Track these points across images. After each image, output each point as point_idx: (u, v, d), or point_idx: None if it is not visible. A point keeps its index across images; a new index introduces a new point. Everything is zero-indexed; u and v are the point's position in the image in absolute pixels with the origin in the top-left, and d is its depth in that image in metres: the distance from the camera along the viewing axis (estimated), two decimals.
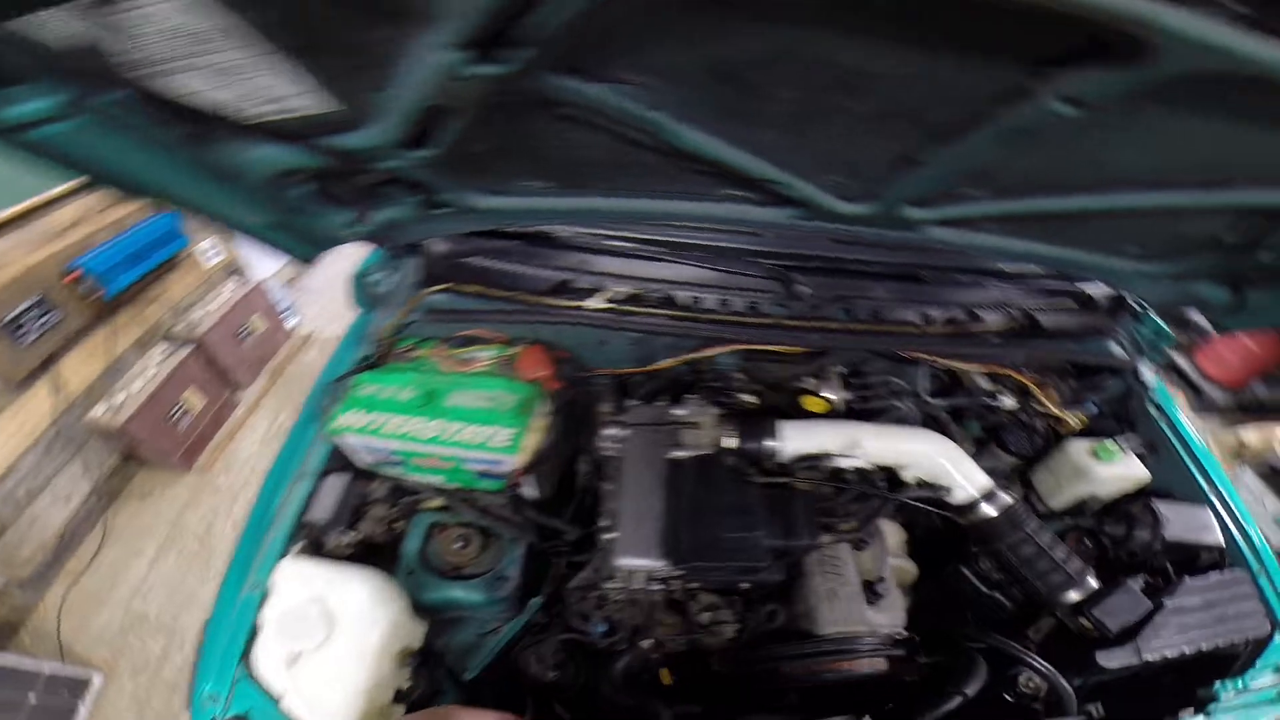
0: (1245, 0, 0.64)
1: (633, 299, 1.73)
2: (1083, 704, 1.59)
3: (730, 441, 1.59)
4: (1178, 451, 1.97)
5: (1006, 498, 1.60)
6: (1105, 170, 1.11)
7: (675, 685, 1.63)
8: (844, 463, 1.59)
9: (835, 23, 0.81)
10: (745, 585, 1.53)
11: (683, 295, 1.75)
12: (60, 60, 0.79)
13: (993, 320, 1.86)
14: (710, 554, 1.42)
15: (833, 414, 1.77)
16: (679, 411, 1.64)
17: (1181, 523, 1.77)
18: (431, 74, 0.86)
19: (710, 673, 1.65)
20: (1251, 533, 1.83)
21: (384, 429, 1.57)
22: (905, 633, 1.58)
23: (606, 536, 1.45)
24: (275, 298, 3.74)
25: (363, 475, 1.69)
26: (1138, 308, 2.00)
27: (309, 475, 1.61)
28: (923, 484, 1.64)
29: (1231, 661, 1.62)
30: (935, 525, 1.78)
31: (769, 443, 1.60)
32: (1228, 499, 1.89)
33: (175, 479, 3.58)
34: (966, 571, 1.76)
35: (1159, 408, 2.01)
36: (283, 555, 1.44)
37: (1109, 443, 1.83)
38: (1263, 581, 1.73)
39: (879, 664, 1.50)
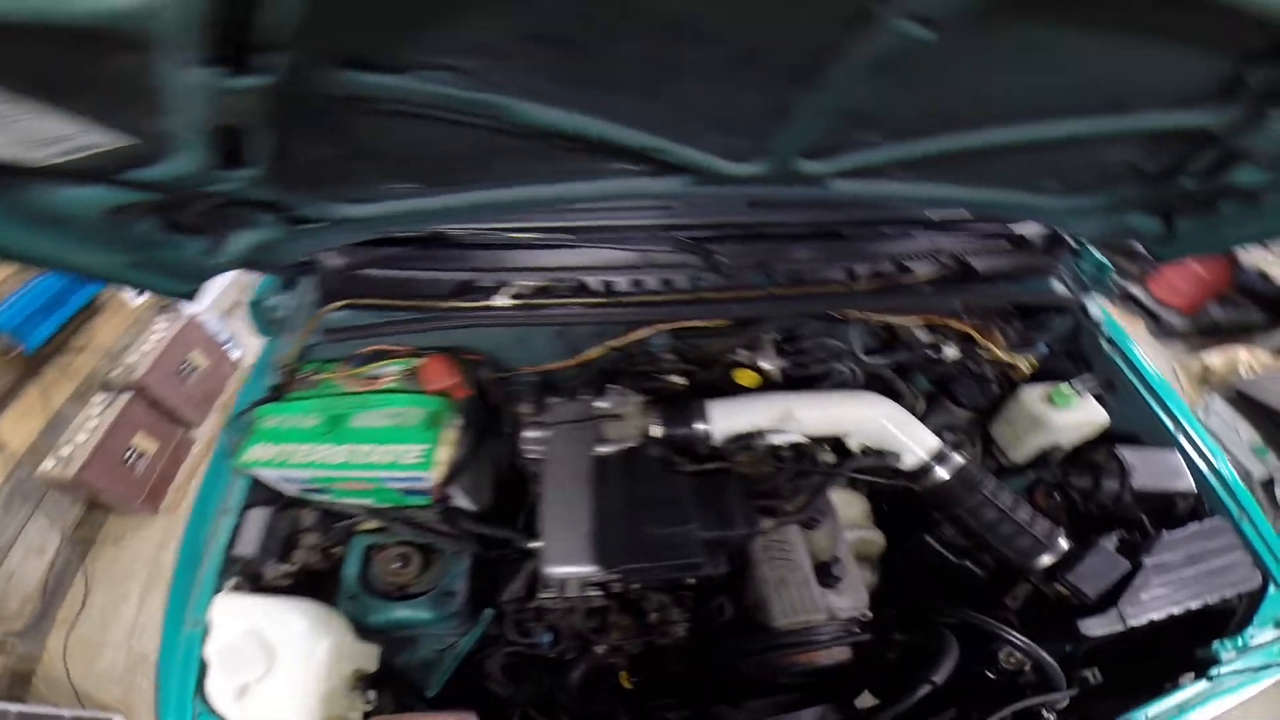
0: None
1: (542, 291, 1.57)
2: (1077, 669, 1.46)
3: (656, 430, 1.44)
4: (1136, 387, 1.83)
5: (958, 458, 1.44)
6: (996, 102, 1.01)
7: (637, 688, 1.51)
8: (779, 438, 1.43)
9: None
10: (691, 581, 1.40)
11: (594, 281, 1.59)
12: None
13: (923, 270, 1.70)
14: (642, 554, 1.27)
15: (770, 385, 1.61)
16: (601, 404, 1.48)
17: (1149, 469, 1.63)
18: (197, 95, 0.78)
19: (674, 673, 1.52)
20: (1224, 471, 1.70)
21: (292, 459, 1.46)
22: (869, 614, 1.42)
23: (532, 545, 1.33)
24: (213, 330, 3.51)
25: (292, 504, 1.58)
26: (1075, 244, 1.86)
27: (232, 510, 1.51)
28: (869, 451, 1.48)
29: (1227, 618, 1.49)
30: (900, 490, 1.62)
31: (699, 426, 1.44)
32: (1194, 435, 1.75)
33: (145, 521, 3.44)
34: (931, 541, 1.60)
35: (1111, 342, 1.86)
36: (216, 591, 1.38)
37: (1064, 386, 1.68)
38: (1245, 527, 1.59)
39: (841, 653, 1.35)
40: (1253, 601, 1.49)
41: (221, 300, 3.88)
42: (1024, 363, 1.76)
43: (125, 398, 3.09)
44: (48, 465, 3.00)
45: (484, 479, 1.68)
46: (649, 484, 1.36)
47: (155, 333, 3.27)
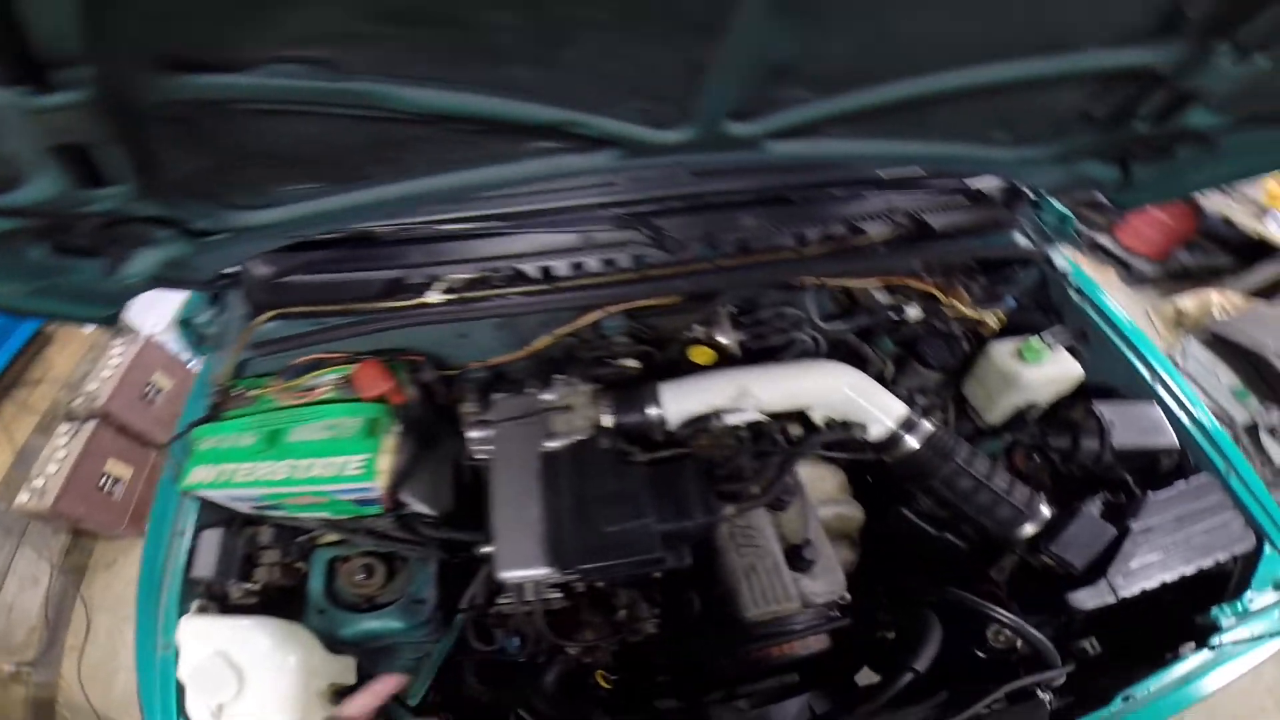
0: None
1: (476, 283, 1.44)
2: (1075, 640, 1.37)
3: (607, 419, 1.32)
4: (1109, 337, 1.72)
5: (928, 425, 1.33)
6: (926, 47, 0.92)
7: (615, 688, 1.42)
8: (736, 418, 1.31)
9: None
10: (657, 575, 1.29)
11: (531, 268, 1.46)
12: None
13: (876, 230, 1.58)
14: (598, 553, 1.16)
15: (728, 360, 1.50)
16: (547, 397, 1.36)
17: (1130, 426, 1.51)
18: (10, 117, 0.74)
19: (655, 670, 1.44)
20: (1206, 423, 1.60)
21: (234, 479, 1.38)
22: (846, 596, 1.32)
23: (485, 550, 1.24)
24: (174, 350, 3.34)
25: (248, 523, 1.50)
26: (1034, 196, 1.75)
27: (186, 533, 1.45)
28: (834, 424, 1.36)
29: (1224, 581, 1.39)
30: (872, 463, 1.51)
31: (651, 411, 1.33)
32: (1172, 385, 1.65)
33: (134, 544, 3.32)
34: (909, 514, 1.49)
35: (1080, 292, 1.75)
36: (181, 614, 1.35)
37: (1034, 340, 1.57)
38: (1233, 483, 1.50)
39: (819, 641, 1.24)
40: (1249, 563, 1.40)
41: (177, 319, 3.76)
42: (991, 317, 1.65)
43: (90, 426, 2.97)
44: (23, 498, 2.91)
45: (442, 482, 1.58)
46: (600, 478, 1.24)
47: (113, 358, 3.11)
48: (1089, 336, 1.74)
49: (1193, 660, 1.31)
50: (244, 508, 1.47)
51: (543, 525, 1.20)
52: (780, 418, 1.43)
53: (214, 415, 1.50)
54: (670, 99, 0.98)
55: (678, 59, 0.88)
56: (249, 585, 1.43)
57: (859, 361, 1.59)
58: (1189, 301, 4.31)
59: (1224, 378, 3.60)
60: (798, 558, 1.29)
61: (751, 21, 0.77)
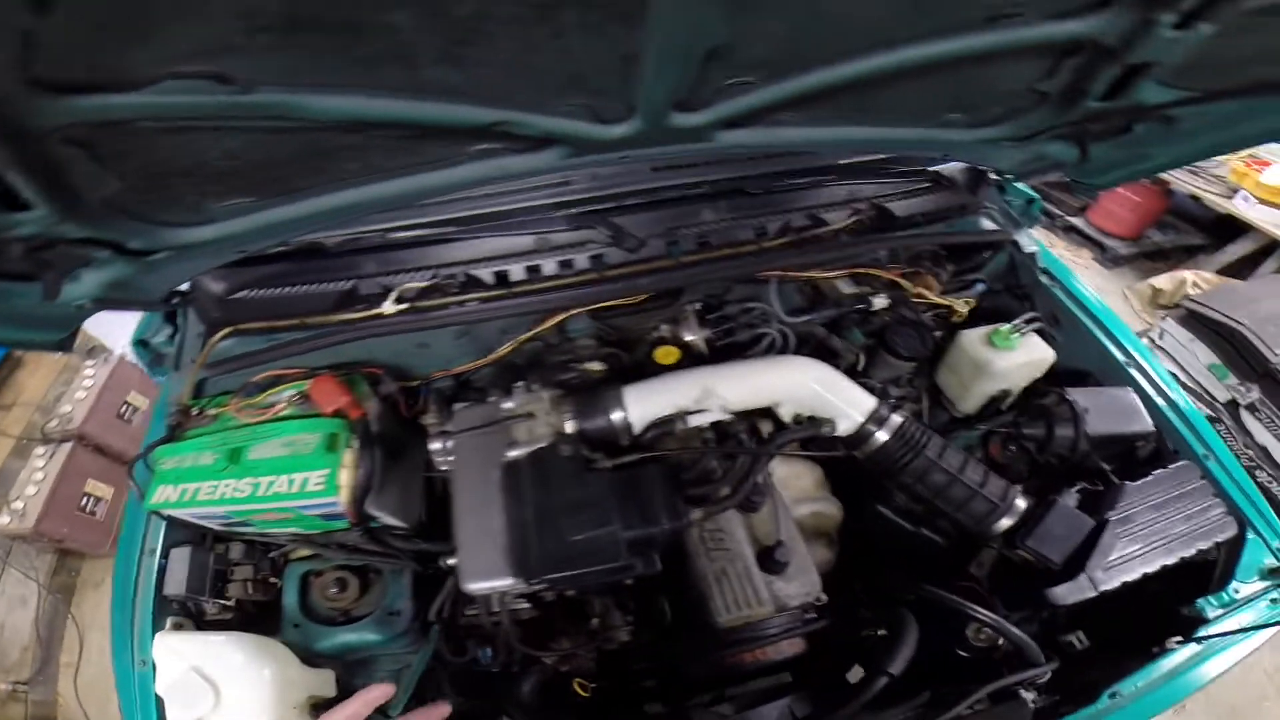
0: None
1: (431, 291, 1.38)
2: (1060, 634, 1.33)
3: (569, 425, 1.25)
4: (1081, 320, 1.68)
5: (897, 418, 1.28)
6: (861, 26, 0.87)
7: (593, 696, 1.36)
8: (701, 418, 1.25)
9: None
10: (628, 583, 1.26)
11: (486, 273, 1.40)
12: None
13: (838, 220, 1.52)
14: (562, 562, 1.11)
15: (694, 359, 1.44)
16: (508, 405, 1.30)
17: (1104, 412, 1.46)
18: None
19: (631, 677, 1.39)
20: (1183, 405, 1.55)
21: (198, 497, 1.34)
22: (823, 597, 1.27)
23: (449, 562, 1.23)
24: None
25: (219, 540, 1.47)
26: (998, 179, 1.69)
27: (156, 551, 1.43)
28: (802, 420, 1.30)
29: (1209, 570, 1.35)
30: (843, 459, 1.45)
31: (616, 415, 1.27)
32: (1146, 367, 1.61)
33: None
34: (885, 510, 1.43)
35: (1049, 274, 1.70)
36: (156, 630, 1.33)
37: (1004, 327, 1.52)
38: (1212, 467, 1.45)
39: (793, 645, 1.18)
40: (1232, 551, 1.35)
41: None
42: (961, 304, 1.59)
43: (67, 448, 2.92)
44: (3, 520, 2.87)
45: (412, 494, 1.53)
46: (563, 486, 1.19)
47: (86, 379, 3.06)
48: (1060, 320, 1.69)
49: (1180, 654, 1.26)
50: (213, 525, 1.43)
51: (506, 536, 1.15)
52: (749, 416, 1.37)
53: (173, 435, 1.45)
54: (609, 93, 0.93)
55: (606, 51, 0.83)
56: (223, 601, 1.40)
57: (829, 355, 1.54)
58: (1164, 281, 4.29)
59: (1201, 355, 3.56)
60: (770, 560, 1.24)
61: (669, 4, 0.72)
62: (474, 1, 0.70)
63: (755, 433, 1.40)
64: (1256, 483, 3.33)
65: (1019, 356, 1.52)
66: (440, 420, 1.37)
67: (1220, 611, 1.29)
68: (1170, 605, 1.32)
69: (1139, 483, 1.34)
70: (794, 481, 1.51)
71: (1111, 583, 1.21)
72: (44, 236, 0.97)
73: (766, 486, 1.32)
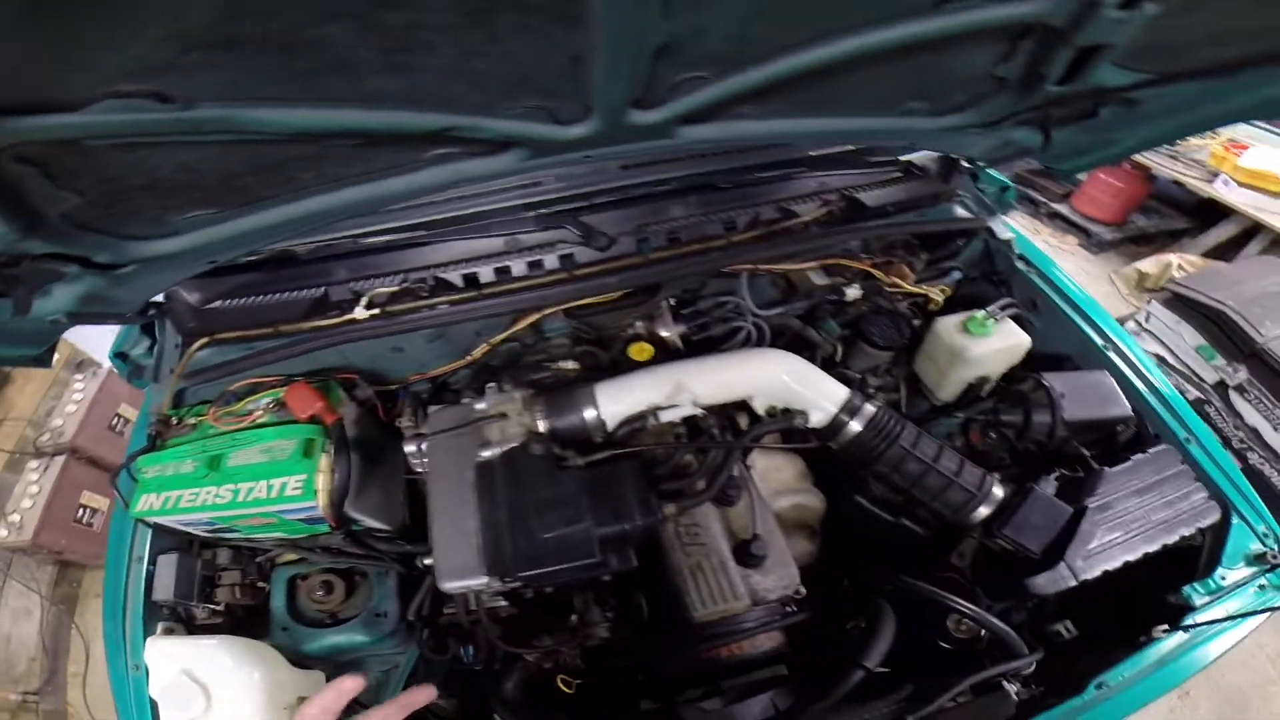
0: None
1: (402, 295, 1.36)
2: (1049, 625, 1.30)
3: (541, 425, 1.24)
4: (1058, 305, 1.65)
5: (870, 407, 1.25)
6: (809, 13, 0.85)
7: (578, 692, 1.35)
8: (674, 414, 1.23)
9: None
10: (606, 579, 1.23)
11: (455, 276, 1.38)
12: None
13: (808, 212, 1.49)
14: (536, 560, 1.10)
15: (669, 355, 1.42)
16: (480, 406, 1.28)
17: (1081, 397, 1.43)
18: None
19: (617, 673, 1.37)
20: (1163, 389, 1.52)
21: (181, 504, 1.33)
22: (802, 590, 1.25)
23: (425, 562, 1.24)
24: None
25: (206, 546, 1.47)
26: (971, 166, 1.67)
27: (144, 558, 1.42)
28: (775, 413, 1.28)
29: (1194, 557, 1.31)
30: (817, 451, 1.43)
31: (588, 413, 1.25)
32: (1126, 350, 1.57)
33: None
34: (863, 501, 1.41)
35: (1026, 260, 1.67)
36: (146, 636, 1.33)
37: (979, 314, 1.50)
38: (1194, 451, 1.41)
39: (771, 639, 1.16)
40: (1218, 537, 1.31)
41: None
42: (935, 292, 1.56)
43: (60, 461, 2.91)
44: (1, 533, 2.86)
45: (394, 497, 1.51)
46: (536, 485, 1.17)
47: (75, 393, 3.05)
48: (1038, 305, 1.66)
49: (1167, 643, 1.23)
50: (199, 531, 1.42)
51: (480, 535, 1.15)
52: (725, 410, 1.35)
53: (153, 445, 1.44)
54: (562, 94, 0.91)
55: (551, 52, 0.81)
56: (212, 606, 1.40)
57: (805, 346, 1.52)
58: (1150, 265, 4.26)
59: (1188, 338, 3.52)
60: (746, 554, 1.22)
61: (604, 5, 0.71)
62: (406, 11, 0.69)
63: (733, 426, 1.38)
64: (1248, 465, 3.30)
65: (995, 343, 1.50)
66: (415, 423, 1.36)
67: (1207, 599, 1.25)
68: (1157, 593, 1.29)
69: (1118, 468, 1.31)
70: (774, 474, 1.50)
71: (1092, 571, 1.18)
72: (7, 253, 0.96)
73: (742, 480, 1.30)
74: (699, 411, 1.25)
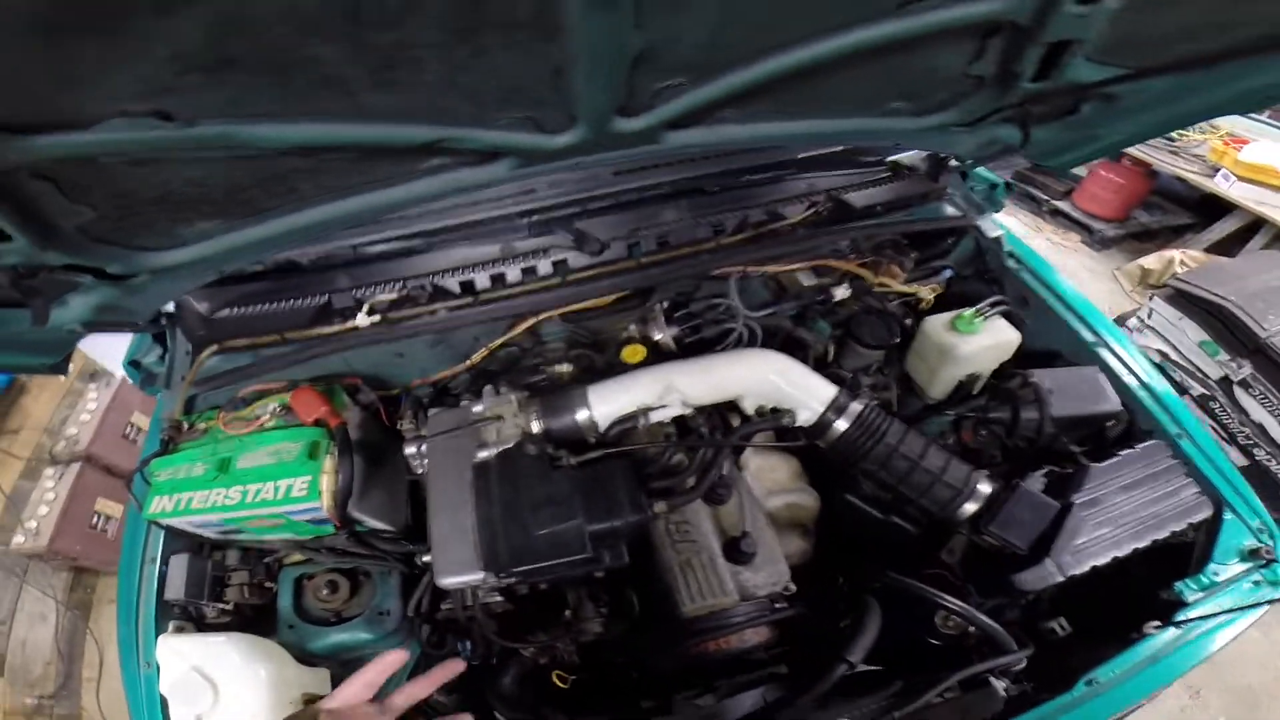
0: None
1: (401, 302, 1.39)
2: (1043, 622, 1.30)
3: (536, 426, 1.26)
4: (1048, 302, 1.66)
5: (856, 405, 1.27)
6: (777, 18, 0.87)
7: (574, 688, 1.37)
8: (664, 414, 1.25)
9: None
10: (599, 575, 1.26)
11: (452, 282, 1.41)
12: None
13: (794, 214, 1.51)
14: (529, 556, 1.13)
15: (662, 356, 1.44)
16: (476, 408, 1.31)
17: (1069, 393, 1.42)
18: None
19: (613, 669, 1.39)
20: (1155, 384, 1.51)
21: (192, 506, 1.37)
22: (792, 587, 1.27)
23: (424, 560, 1.27)
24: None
25: (216, 547, 1.51)
26: (959, 165, 1.67)
27: (156, 559, 1.46)
28: (764, 412, 1.30)
29: (1187, 553, 1.30)
30: (806, 449, 1.44)
31: (581, 414, 1.27)
32: (1116, 346, 1.57)
33: None
34: (854, 500, 1.42)
35: (1016, 258, 1.67)
36: (158, 634, 1.37)
37: (967, 312, 1.50)
38: (1186, 447, 1.39)
39: (759, 634, 1.17)
40: (1210, 532, 1.30)
41: None
42: (926, 291, 1.57)
43: (75, 468, 2.95)
44: (18, 539, 2.89)
45: (398, 498, 1.55)
46: (530, 484, 1.20)
47: (89, 403, 3.09)
48: (1030, 302, 1.66)
49: (1159, 639, 1.21)
50: (209, 533, 1.46)
51: (476, 533, 1.17)
52: (717, 410, 1.37)
53: (166, 449, 1.48)
54: (548, 104, 0.94)
55: (534, 65, 0.83)
56: (222, 605, 1.44)
57: (797, 346, 1.53)
58: (1153, 261, 4.23)
59: (1191, 333, 3.49)
60: (736, 551, 1.25)
61: (582, 17, 0.74)
62: (394, 31, 0.72)
63: (725, 426, 1.40)
64: (1255, 461, 3.25)
65: (983, 340, 1.51)
66: (415, 425, 1.39)
67: (1200, 595, 1.24)
68: (1149, 589, 1.27)
69: (1105, 464, 1.31)
70: (769, 474, 1.51)
71: (1080, 567, 1.18)
72: (28, 265, 0.99)
73: (732, 479, 1.32)
74: (689, 411, 1.27)
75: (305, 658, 1.39)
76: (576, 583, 1.31)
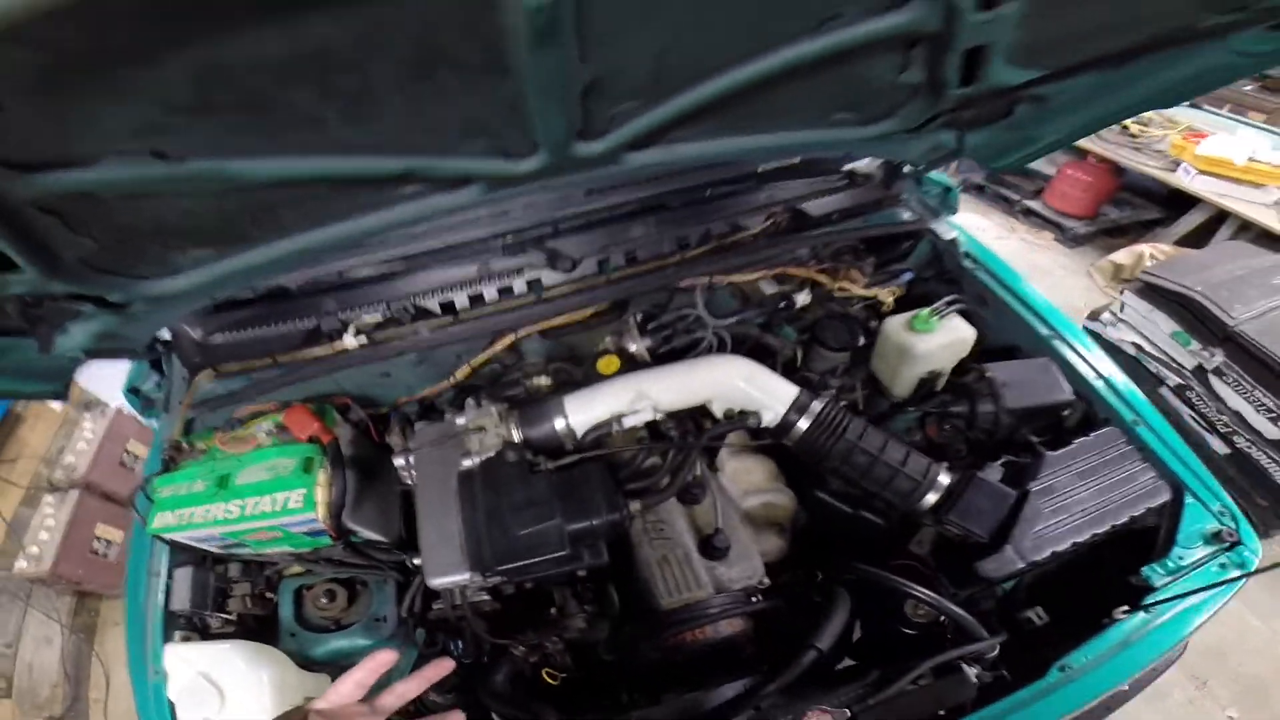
0: None
1: (385, 323, 1.45)
2: (1020, 611, 1.33)
3: (516, 435, 1.32)
4: (1005, 300, 1.72)
5: (816, 405, 1.33)
6: (710, 45, 0.93)
7: (565, 685, 1.43)
8: (637, 419, 1.31)
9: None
10: (581, 573, 1.31)
11: (433, 303, 1.47)
12: None
13: (754, 225, 1.58)
14: (512, 555, 1.19)
15: (636, 367, 1.50)
16: (460, 421, 1.37)
17: (1023, 385, 1.47)
18: None
19: (603, 666, 1.43)
20: (1108, 373, 1.54)
21: (194, 520, 1.42)
22: (766, 581, 1.33)
23: (415, 563, 1.32)
24: (144, 419, 3.41)
25: (218, 561, 1.56)
26: (912, 170, 1.74)
27: (161, 572, 1.50)
28: (732, 415, 1.36)
29: (1152, 537, 1.32)
30: (773, 448, 1.51)
31: (559, 422, 1.33)
32: (1070, 339, 1.61)
33: None
34: (824, 496, 1.48)
35: (973, 258, 1.74)
36: (165, 643, 1.41)
37: (923, 312, 1.57)
38: (1143, 433, 1.42)
39: (733, 625, 1.23)
40: (1172, 517, 1.32)
41: None
42: (885, 294, 1.64)
43: (74, 495, 2.99)
44: (21, 565, 2.92)
45: (391, 510, 1.60)
46: (511, 489, 1.27)
47: (85, 431, 3.14)
48: (989, 301, 1.73)
49: (1130, 624, 1.23)
50: (211, 547, 1.51)
51: (462, 536, 1.23)
52: (690, 415, 1.43)
53: (167, 469, 1.53)
54: (508, 133, 1.00)
55: (489, 99, 0.90)
56: (225, 615, 1.49)
57: (765, 352, 1.60)
58: (1124, 256, 4.31)
59: (1163, 325, 3.56)
60: (710, 547, 1.31)
61: (528, 56, 0.80)
62: (355, 74, 0.79)
63: (698, 429, 1.46)
64: (1236, 449, 3.30)
65: (940, 338, 1.57)
66: (403, 439, 1.45)
67: (1168, 579, 1.25)
68: (1118, 575, 1.29)
69: (1059, 452, 1.35)
70: (745, 475, 1.58)
71: (1040, 553, 1.21)
72: (34, 294, 1.05)
73: (705, 479, 1.38)
74: (659, 417, 1.33)
75: (306, 663, 1.44)
76: (561, 582, 1.36)
